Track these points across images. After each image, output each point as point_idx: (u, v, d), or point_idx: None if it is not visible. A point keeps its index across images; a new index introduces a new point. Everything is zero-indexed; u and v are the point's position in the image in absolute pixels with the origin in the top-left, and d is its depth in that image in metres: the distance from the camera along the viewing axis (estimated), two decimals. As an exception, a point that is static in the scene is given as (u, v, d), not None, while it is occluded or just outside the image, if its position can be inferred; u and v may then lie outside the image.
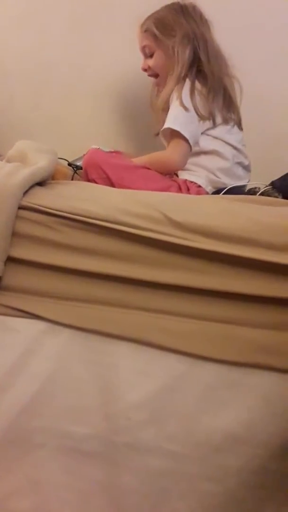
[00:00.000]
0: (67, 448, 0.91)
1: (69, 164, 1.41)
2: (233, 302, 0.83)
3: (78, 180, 1.38)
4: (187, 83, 1.33)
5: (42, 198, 0.91)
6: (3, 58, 1.74)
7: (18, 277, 0.90)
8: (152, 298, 0.86)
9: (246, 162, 1.43)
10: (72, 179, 1.40)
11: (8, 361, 0.90)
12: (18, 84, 1.77)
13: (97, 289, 0.88)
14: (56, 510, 0.93)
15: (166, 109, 1.37)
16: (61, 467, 0.91)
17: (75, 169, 1.38)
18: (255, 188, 1.33)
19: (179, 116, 1.30)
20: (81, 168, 1.32)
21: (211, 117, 1.33)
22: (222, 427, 0.83)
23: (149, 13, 1.40)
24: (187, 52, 1.34)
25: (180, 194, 1.23)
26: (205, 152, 1.37)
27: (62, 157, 1.33)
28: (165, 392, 0.85)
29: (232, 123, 1.39)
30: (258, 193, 1.27)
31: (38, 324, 0.89)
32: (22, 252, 0.89)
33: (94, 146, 1.31)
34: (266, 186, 1.27)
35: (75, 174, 1.39)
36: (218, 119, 1.35)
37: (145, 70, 1.46)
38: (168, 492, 0.88)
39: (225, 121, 1.36)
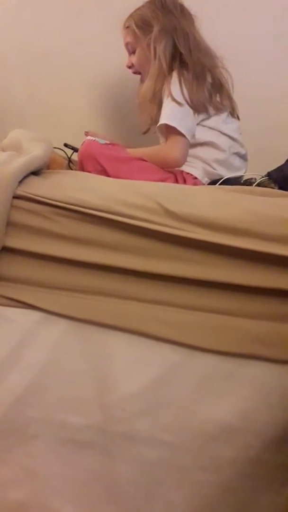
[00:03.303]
0: (62, 438, 0.91)
1: (65, 145, 1.40)
2: (229, 293, 0.83)
3: (74, 164, 1.37)
4: (174, 76, 1.32)
5: (37, 187, 0.91)
6: (-1, 49, 1.73)
7: (13, 267, 0.90)
8: (147, 288, 0.86)
9: (243, 152, 1.42)
10: (69, 162, 1.39)
11: (3, 352, 0.90)
12: (14, 74, 1.76)
13: (93, 280, 0.88)
14: (51, 500, 0.94)
15: (153, 100, 1.36)
16: (56, 457, 0.92)
17: (72, 150, 1.38)
18: (252, 179, 1.32)
19: (174, 112, 1.30)
20: (77, 150, 1.31)
21: (204, 106, 1.32)
22: (217, 417, 0.84)
23: (143, 1, 1.40)
24: (164, 46, 1.34)
25: (176, 185, 1.23)
26: (201, 144, 1.36)
27: (57, 147, 1.33)
28: (160, 383, 0.85)
29: (226, 112, 1.39)
30: (254, 184, 1.27)
31: (33, 314, 0.89)
32: (17, 242, 0.89)
33: (89, 138, 1.31)
34: (263, 177, 1.26)
35: (71, 158, 1.39)
36: (211, 108, 1.35)
37: (129, 67, 1.47)
38: (163, 482, 0.88)
39: (218, 110, 1.36)
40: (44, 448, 0.92)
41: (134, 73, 1.47)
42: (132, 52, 1.44)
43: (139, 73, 1.47)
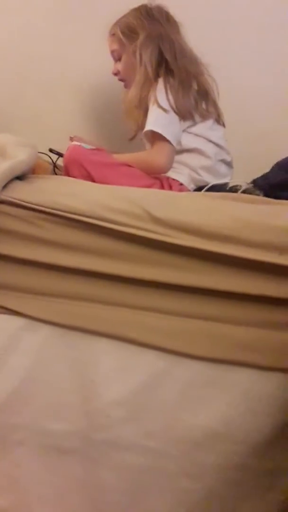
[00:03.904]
0: (46, 445, 0.90)
1: (51, 150, 1.39)
2: (215, 299, 0.83)
3: (60, 169, 1.36)
4: (160, 83, 1.33)
5: (22, 192, 0.90)
6: (-16, 52, 1.72)
7: (-4, 272, 0.89)
8: (132, 294, 0.86)
9: (228, 159, 1.43)
10: (54, 167, 1.38)
11: (-14, 358, 0.89)
12: (-1, 78, 1.75)
13: (78, 285, 0.88)
14: (34, 507, 0.93)
15: (139, 107, 1.37)
16: (40, 465, 0.91)
17: (57, 155, 1.37)
18: (237, 186, 1.33)
19: (159, 118, 1.30)
20: (62, 156, 1.31)
21: (189, 113, 1.33)
22: (202, 424, 0.84)
23: (131, 7, 1.41)
24: (150, 53, 1.35)
25: (162, 191, 1.23)
26: (188, 150, 1.37)
27: (42, 152, 1.32)
28: (145, 389, 0.85)
29: (212, 119, 1.40)
30: (239, 191, 1.27)
31: (17, 320, 0.89)
32: (1, 247, 0.88)
33: (75, 143, 1.30)
34: (248, 184, 1.27)
35: (56, 163, 1.38)
36: (196, 115, 1.35)
37: (115, 74, 1.48)
38: (147, 489, 0.88)
39: (204, 117, 1.37)
40: (28, 456, 0.91)
41: (120, 80, 1.48)
42: (118, 59, 1.45)
43: (124, 81, 1.47)
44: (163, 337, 0.84)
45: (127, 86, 1.46)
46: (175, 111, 1.31)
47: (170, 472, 0.86)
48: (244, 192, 1.25)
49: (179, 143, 1.34)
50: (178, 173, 1.36)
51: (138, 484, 0.88)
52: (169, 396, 0.84)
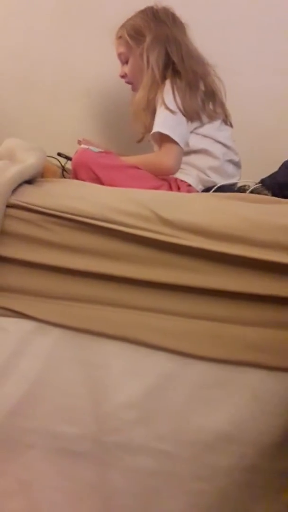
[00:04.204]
0: (57, 448, 0.90)
1: (59, 154, 1.40)
2: (223, 299, 0.83)
3: (68, 172, 1.37)
4: (167, 85, 1.33)
5: (31, 196, 0.91)
6: (-10, 58, 1.73)
7: (6, 276, 0.90)
8: (142, 296, 0.86)
9: (236, 159, 1.43)
10: (62, 170, 1.39)
11: (-3, 361, 0.89)
12: (5, 84, 1.75)
13: (87, 288, 0.88)
14: (46, 511, 0.93)
15: (147, 109, 1.37)
16: (51, 468, 0.91)
17: (66, 159, 1.38)
18: (245, 186, 1.33)
19: (167, 120, 1.31)
20: (70, 159, 1.32)
21: (197, 114, 1.33)
22: (213, 426, 0.83)
23: (137, 10, 1.42)
24: (156, 55, 1.35)
25: (170, 192, 1.22)
26: (195, 151, 1.37)
27: (50, 155, 1.33)
28: (155, 391, 0.85)
29: (219, 120, 1.39)
30: (248, 191, 1.27)
31: (27, 323, 0.89)
32: (11, 250, 0.88)
33: (83, 146, 1.31)
34: (256, 184, 1.26)
35: (65, 167, 1.38)
36: (204, 116, 1.35)
37: (122, 77, 1.48)
38: (159, 492, 0.87)
39: (211, 117, 1.37)
40: (39, 459, 0.91)
41: (127, 83, 1.48)
42: (125, 62, 1.45)
43: (131, 83, 1.48)
44: (172, 338, 0.83)
45: (134, 89, 1.46)
46: (182, 113, 1.31)
47: (181, 475, 0.86)
48: (252, 192, 1.25)
49: (187, 144, 1.34)
50: (186, 174, 1.36)
51: (150, 487, 0.88)
52: (179, 397, 0.84)
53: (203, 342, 0.83)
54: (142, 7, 1.41)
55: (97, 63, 1.65)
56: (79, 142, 1.44)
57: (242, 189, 1.33)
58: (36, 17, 1.69)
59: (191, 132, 1.35)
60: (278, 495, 0.86)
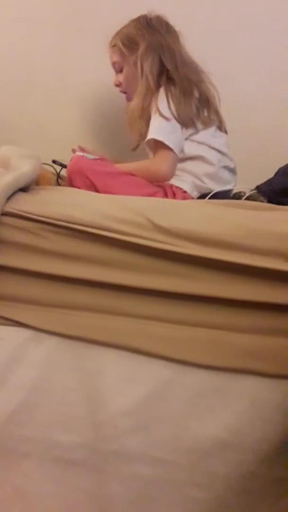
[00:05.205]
0: (54, 457, 0.90)
1: (54, 161, 1.40)
2: (219, 307, 0.83)
3: (63, 179, 1.37)
4: (162, 92, 1.34)
5: (26, 204, 0.91)
6: (-13, 64, 1.73)
7: (2, 284, 0.89)
8: (138, 304, 0.86)
9: (232, 165, 1.44)
10: (57, 177, 1.39)
11: (-7, 370, 0.89)
12: (2, 90, 1.76)
13: (83, 296, 0.88)
14: (43, 520, 0.93)
15: (142, 117, 1.37)
16: (48, 477, 0.91)
17: (60, 167, 1.38)
18: (241, 192, 1.33)
19: (161, 126, 1.31)
20: (65, 167, 1.32)
21: (191, 121, 1.34)
22: (210, 433, 0.83)
23: (131, 18, 1.42)
24: (150, 63, 1.36)
25: (165, 199, 1.23)
26: (191, 158, 1.37)
27: (46, 163, 1.32)
28: (152, 399, 0.85)
29: (214, 126, 1.40)
30: (243, 198, 1.27)
31: (23, 332, 0.88)
32: (6, 259, 0.88)
33: (78, 153, 1.31)
34: (252, 191, 1.27)
35: (60, 174, 1.38)
36: (199, 123, 1.36)
37: (117, 85, 1.49)
38: (156, 500, 0.87)
39: (206, 124, 1.37)
40: (36, 467, 0.91)
41: (122, 92, 1.49)
42: (119, 70, 1.46)
43: (126, 93, 1.48)
44: (168, 346, 0.83)
45: (129, 98, 1.47)
46: (176, 119, 1.31)
47: (179, 482, 0.86)
48: (248, 198, 1.26)
49: (182, 151, 1.34)
50: (181, 181, 1.36)
51: (147, 494, 0.87)
52: (176, 405, 0.84)
53: (199, 349, 0.82)
54: (136, 15, 1.42)
55: (93, 70, 1.65)
56: (74, 151, 1.44)
57: (237, 196, 1.34)
58: (34, 24, 1.69)
59: (186, 139, 1.35)
60: (276, 501, 0.86)
